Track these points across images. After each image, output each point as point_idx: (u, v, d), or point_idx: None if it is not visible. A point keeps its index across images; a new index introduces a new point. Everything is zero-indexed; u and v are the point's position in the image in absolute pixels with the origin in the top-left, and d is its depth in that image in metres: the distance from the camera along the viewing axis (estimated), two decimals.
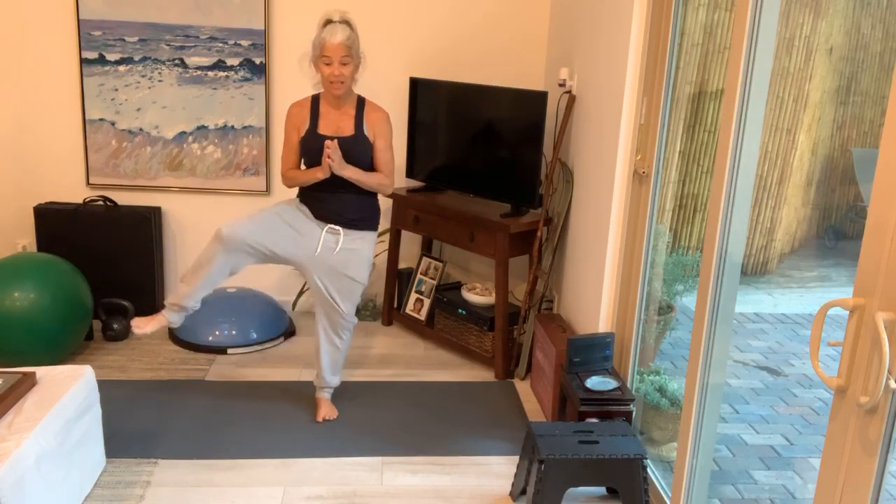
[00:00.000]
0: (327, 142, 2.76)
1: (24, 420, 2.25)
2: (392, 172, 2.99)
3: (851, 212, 6.32)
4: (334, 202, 2.93)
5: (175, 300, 2.92)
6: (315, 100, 2.94)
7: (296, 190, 3.20)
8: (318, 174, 2.84)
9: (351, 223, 2.96)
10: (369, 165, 2.94)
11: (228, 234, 2.82)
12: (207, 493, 2.66)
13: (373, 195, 3.01)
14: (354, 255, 2.98)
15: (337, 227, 2.95)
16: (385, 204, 4.28)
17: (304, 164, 2.96)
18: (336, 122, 2.91)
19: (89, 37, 3.91)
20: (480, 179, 3.76)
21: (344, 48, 2.75)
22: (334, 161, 2.77)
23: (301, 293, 4.32)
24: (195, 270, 2.89)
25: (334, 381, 3.19)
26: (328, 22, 2.78)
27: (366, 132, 2.91)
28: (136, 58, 3.95)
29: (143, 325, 2.90)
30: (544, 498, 2.39)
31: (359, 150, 2.89)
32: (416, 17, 4.07)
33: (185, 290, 2.91)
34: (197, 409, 3.21)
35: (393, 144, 4.18)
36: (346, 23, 2.78)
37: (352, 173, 2.85)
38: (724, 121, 2.18)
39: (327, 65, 2.78)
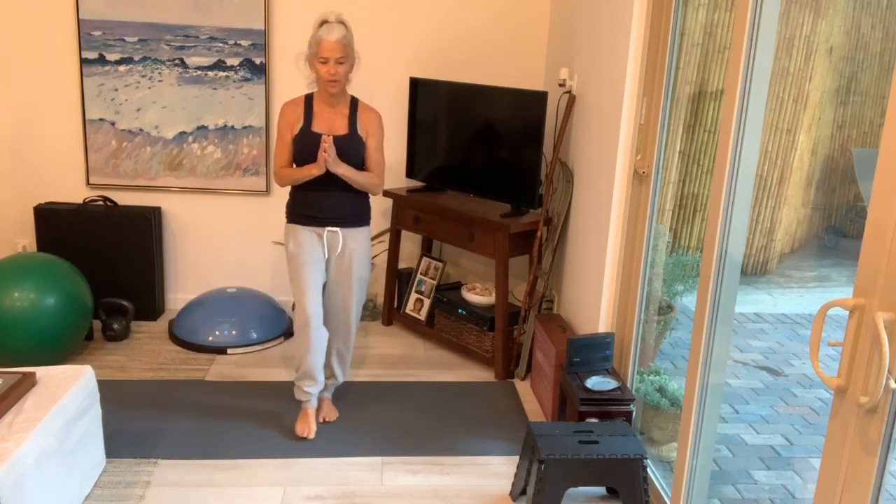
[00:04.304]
0: (324, 136, 2.79)
1: (24, 420, 2.25)
2: (382, 173, 3.01)
3: (851, 212, 6.32)
4: (328, 200, 2.94)
5: (304, 391, 3.04)
6: (309, 99, 2.95)
7: (287, 198, 3.20)
8: (313, 170, 2.85)
9: (347, 221, 2.98)
10: (361, 165, 2.96)
11: (314, 315, 2.93)
12: (207, 493, 2.66)
13: (364, 194, 3.02)
14: (357, 254, 3.01)
15: (335, 229, 2.96)
16: (385, 204, 4.28)
17: (296, 162, 2.95)
18: (330, 121, 2.92)
19: (89, 37, 3.91)
20: (480, 179, 3.76)
21: (340, 47, 2.77)
22: (329, 156, 2.79)
23: None
24: (311, 362, 2.97)
25: (341, 380, 3.26)
26: (324, 22, 2.80)
27: (359, 131, 2.93)
28: (136, 58, 3.95)
29: (306, 429, 3.02)
30: (544, 498, 2.39)
31: (352, 149, 2.91)
32: (416, 17, 4.07)
33: (307, 383, 3.02)
34: (197, 409, 3.21)
35: (390, 145, 4.21)
36: (342, 23, 2.81)
37: (345, 171, 2.86)
38: (724, 121, 2.18)
39: (323, 63, 2.80)
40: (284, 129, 2.95)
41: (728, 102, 2.15)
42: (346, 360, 3.21)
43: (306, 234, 2.96)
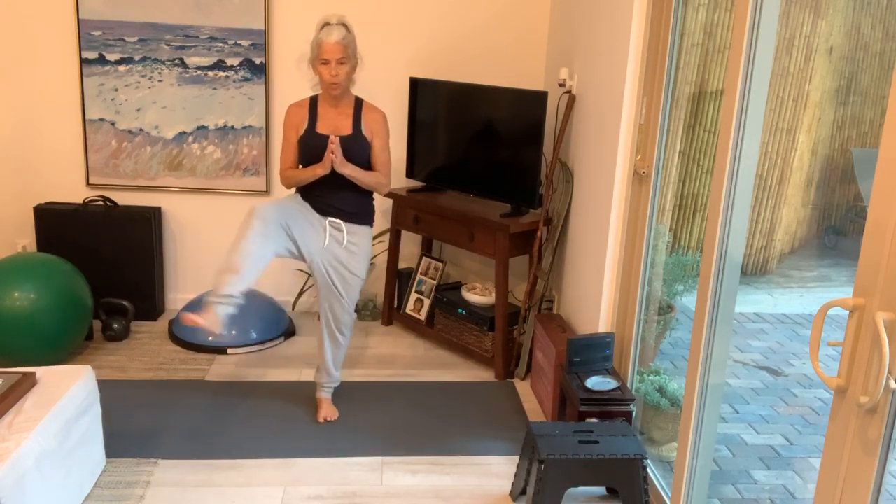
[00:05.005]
0: (331, 137, 2.81)
1: (24, 420, 2.25)
2: (389, 172, 3.02)
3: (851, 212, 6.32)
4: (332, 198, 2.96)
5: (219, 290, 2.68)
6: (314, 100, 2.98)
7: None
8: (318, 170, 2.87)
9: (350, 217, 2.99)
10: (366, 165, 2.98)
11: (262, 207, 2.76)
12: (207, 493, 2.66)
13: (369, 194, 3.04)
14: (356, 250, 3.02)
15: (338, 221, 2.98)
16: (385, 204, 4.28)
17: (302, 163, 2.98)
18: (334, 122, 2.94)
19: (89, 37, 3.91)
20: (480, 179, 3.76)
21: (340, 48, 2.79)
22: (336, 157, 2.80)
23: (301, 293, 4.32)
24: (235, 253, 2.69)
25: (336, 375, 3.20)
26: (325, 24, 2.82)
27: (364, 132, 2.94)
28: (136, 58, 3.95)
29: (197, 319, 2.60)
30: (544, 498, 2.39)
31: (357, 149, 2.92)
32: (416, 17, 4.07)
33: (228, 278, 2.68)
34: (197, 409, 3.21)
35: (390, 145, 4.21)
36: (343, 24, 2.83)
37: (351, 171, 2.88)
38: (724, 121, 2.18)
39: (325, 65, 2.82)
40: (290, 131, 2.97)
41: (728, 102, 2.15)
42: (339, 358, 3.14)
43: (310, 209, 2.97)
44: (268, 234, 2.76)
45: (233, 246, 2.73)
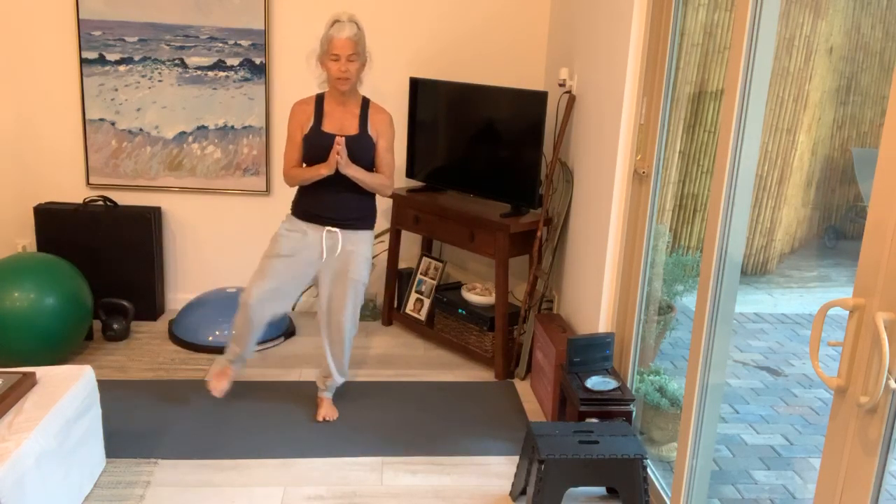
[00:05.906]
0: (337, 138, 2.80)
1: (24, 420, 2.25)
2: (392, 174, 3.01)
3: (851, 212, 6.32)
4: (333, 201, 2.94)
5: (232, 357, 3.16)
6: (320, 98, 2.96)
7: (293, 193, 3.22)
8: (322, 170, 2.86)
9: (348, 223, 2.97)
10: (370, 166, 2.96)
11: (254, 304, 3.00)
12: (207, 493, 2.66)
13: (371, 196, 3.02)
14: (354, 256, 2.99)
15: (334, 229, 2.96)
16: (385, 204, 4.28)
17: (306, 162, 2.97)
18: (340, 121, 2.93)
19: (89, 37, 3.91)
20: (480, 179, 3.76)
21: (351, 44, 2.79)
22: (342, 158, 2.79)
23: (301, 293, 4.31)
24: (239, 336, 3.10)
25: (339, 380, 3.21)
26: (336, 21, 2.82)
27: (369, 132, 2.93)
28: (136, 58, 3.95)
29: (219, 386, 3.13)
30: (544, 498, 2.39)
31: (362, 150, 2.91)
32: (416, 17, 4.07)
33: (238, 350, 3.13)
34: (197, 409, 3.21)
35: (394, 146, 4.20)
36: (354, 22, 2.83)
37: (355, 172, 2.87)
38: (724, 121, 2.18)
39: (334, 60, 2.81)
40: (295, 129, 2.96)
41: (728, 102, 2.15)
42: (342, 362, 3.16)
43: (300, 233, 2.98)
44: (263, 314, 3.05)
45: (234, 328, 3.11)
